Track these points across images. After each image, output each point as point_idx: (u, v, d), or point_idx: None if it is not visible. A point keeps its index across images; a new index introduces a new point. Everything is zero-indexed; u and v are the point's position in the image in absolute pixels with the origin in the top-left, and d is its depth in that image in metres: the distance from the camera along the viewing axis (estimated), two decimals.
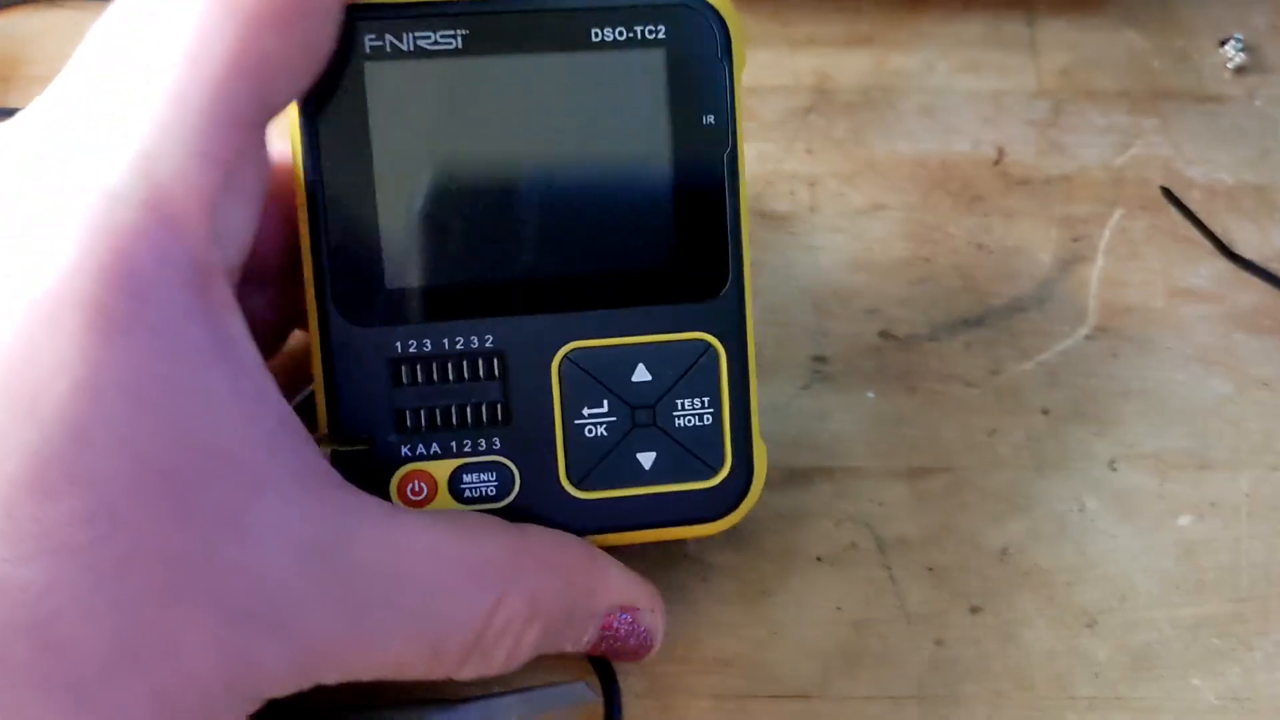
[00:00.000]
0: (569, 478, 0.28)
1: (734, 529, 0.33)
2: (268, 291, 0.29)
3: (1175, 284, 0.39)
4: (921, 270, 0.39)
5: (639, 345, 0.28)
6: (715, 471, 0.29)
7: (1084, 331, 0.38)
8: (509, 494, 0.28)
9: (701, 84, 0.27)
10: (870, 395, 0.36)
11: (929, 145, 0.41)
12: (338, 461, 0.27)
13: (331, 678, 0.24)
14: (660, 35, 0.27)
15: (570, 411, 0.28)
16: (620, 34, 0.27)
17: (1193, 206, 0.40)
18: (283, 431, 0.23)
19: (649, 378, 0.28)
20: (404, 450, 0.27)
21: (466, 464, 0.27)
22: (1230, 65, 0.44)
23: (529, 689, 0.29)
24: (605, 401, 0.28)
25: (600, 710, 0.30)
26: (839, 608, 0.32)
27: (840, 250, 0.39)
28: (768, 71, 0.42)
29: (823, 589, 0.33)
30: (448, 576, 0.25)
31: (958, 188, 0.40)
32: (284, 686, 0.23)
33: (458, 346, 0.27)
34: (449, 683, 0.30)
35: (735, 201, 0.28)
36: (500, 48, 0.26)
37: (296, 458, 0.23)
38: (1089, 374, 0.37)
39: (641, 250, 0.28)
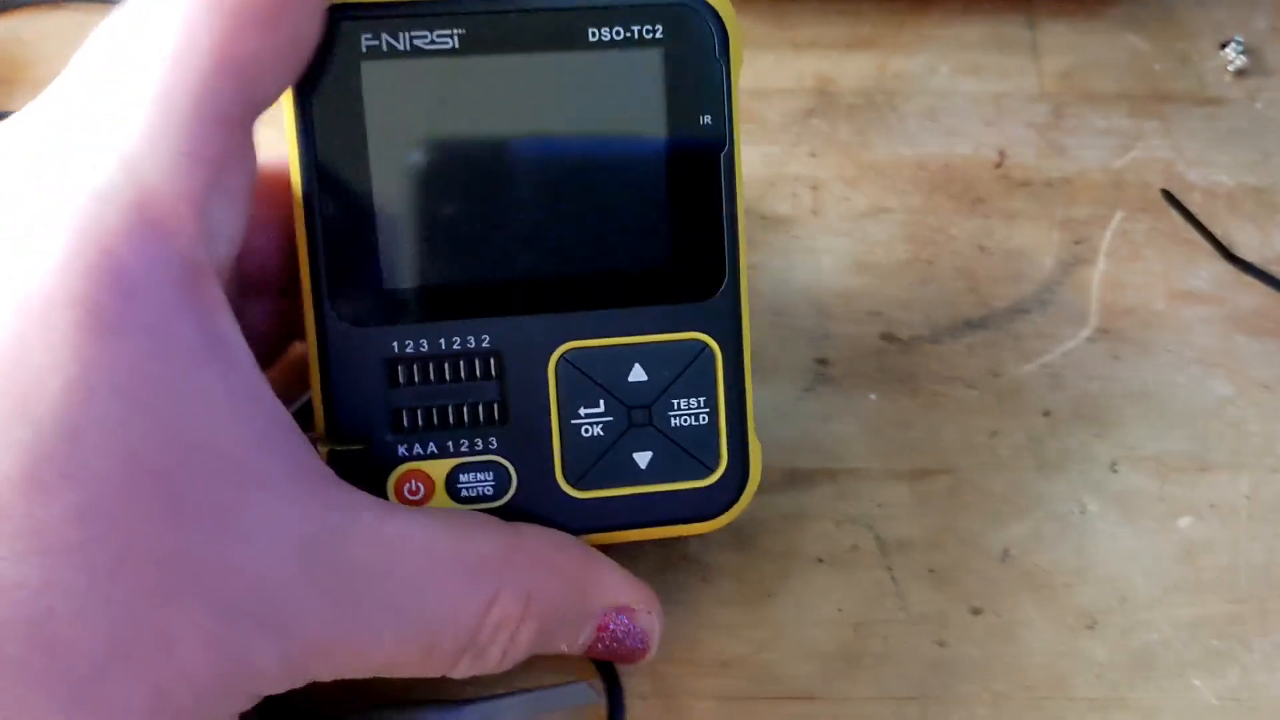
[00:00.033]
0: (565, 477, 0.28)
1: (735, 530, 0.33)
2: (265, 302, 0.29)
3: (1176, 286, 0.39)
4: (923, 272, 0.39)
5: (635, 345, 0.28)
6: (711, 471, 0.29)
7: (1085, 334, 0.38)
8: (506, 493, 0.28)
9: (699, 84, 0.27)
10: (872, 397, 0.36)
11: (931, 148, 0.41)
12: (335, 461, 0.27)
13: (325, 675, 0.24)
14: (657, 35, 0.27)
15: (566, 411, 0.28)
16: (617, 34, 0.27)
17: (1193, 209, 0.40)
18: (275, 429, 0.23)
19: (645, 378, 0.28)
20: (401, 450, 0.27)
21: (463, 464, 0.27)
22: (1231, 68, 0.44)
23: (532, 690, 0.29)
24: (601, 401, 0.28)
25: (603, 711, 0.30)
26: (840, 609, 0.32)
27: (842, 253, 0.39)
28: (770, 74, 0.42)
29: (824, 590, 0.33)
30: (442, 574, 0.25)
31: (959, 190, 0.41)
32: (278, 683, 0.23)
33: (454, 346, 0.27)
34: (452, 683, 0.30)
35: (732, 201, 0.28)
36: (497, 47, 0.26)
37: (289, 455, 0.24)
38: (1090, 376, 0.37)
39: (638, 250, 0.28)
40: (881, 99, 0.42)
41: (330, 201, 0.26)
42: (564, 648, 0.27)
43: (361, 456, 0.27)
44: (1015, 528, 0.34)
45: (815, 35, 0.44)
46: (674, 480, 0.28)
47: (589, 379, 0.28)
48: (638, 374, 0.28)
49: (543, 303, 0.27)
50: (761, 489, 0.34)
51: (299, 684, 0.24)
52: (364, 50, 0.26)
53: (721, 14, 0.27)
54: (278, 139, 0.27)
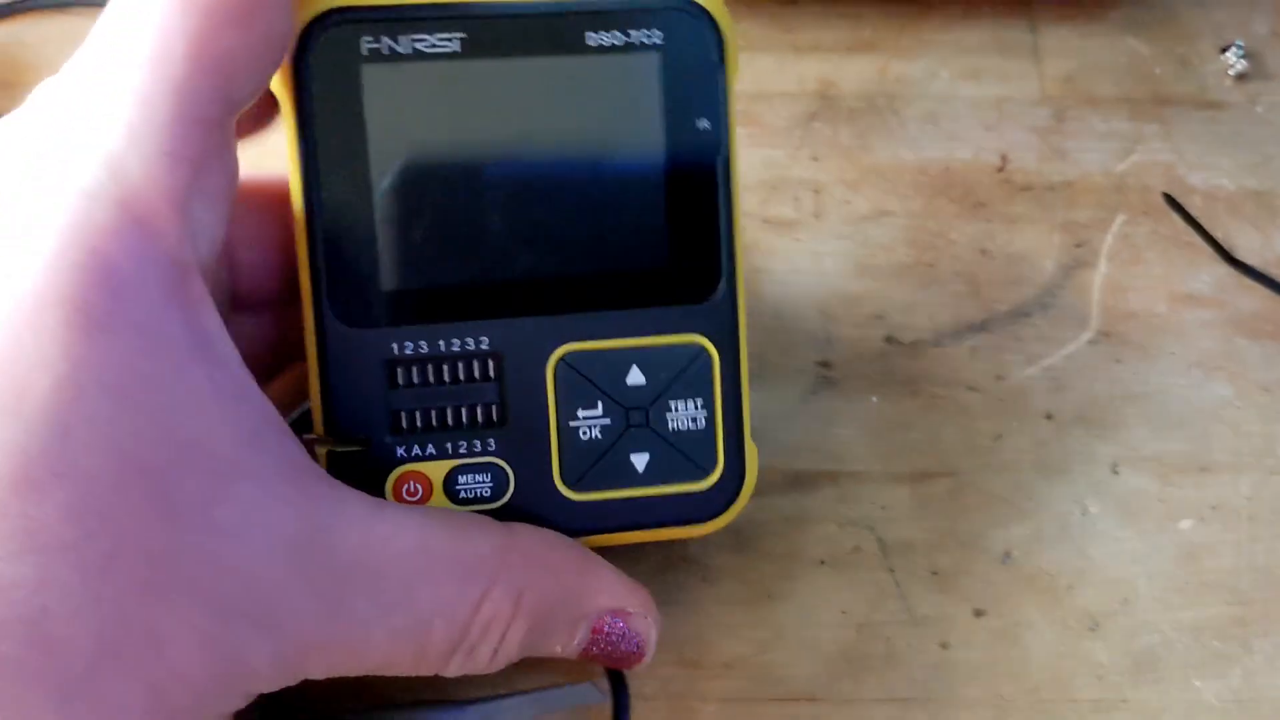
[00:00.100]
0: (563, 479, 0.28)
1: (738, 532, 0.33)
2: (258, 318, 0.29)
3: (1177, 289, 0.39)
4: (925, 276, 0.39)
5: (633, 348, 0.28)
6: (708, 474, 0.29)
7: (1087, 337, 0.38)
8: (504, 495, 0.28)
9: (696, 89, 0.28)
10: (874, 400, 0.36)
11: (932, 152, 0.41)
12: (333, 462, 0.27)
13: (318, 673, 0.24)
14: (655, 40, 0.27)
15: (565, 413, 0.28)
16: (616, 38, 0.27)
17: (1194, 212, 0.40)
18: (264, 426, 0.24)
19: (643, 380, 0.28)
20: (399, 451, 0.27)
21: (462, 465, 0.27)
22: (1231, 72, 0.44)
23: (536, 690, 0.29)
24: (599, 404, 0.28)
25: (607, 712, 0.30)
26: (843, 611, 0.33)
27: (845, 256, 0.39)
28: (772, 77, 0.43)
29: (827, 592, 0.33)
30: (433, 570, 0.25)
31: (961, 194, 0.41)
32: (271, 681, 0.23)
33: (453, 348, 0.27)
34: (455, 684, 0.30)
35: (728, 205, 0.28)
36: (497, 51, 0.27)
37: (278, 452, 0.24)
38: (1092, 379, 0.37)
39: (635, 253, 0.28)
40: (883, 103, 0.42)
41: (330, 203, 0.26)
42: (558, 650, 0.27)
43: (360, 457, 0.27)
44: (1017, 530, 0.34)
45: (816, 38, 0.44)
46: (670, 483, 0.28)
47: (587, 381, 0.28)
48: (635, 376, 0.28)
49: (541, 305, 0.27)
50: (764, 491, 0.34)
51: (292, 682, 0.24)
52: (365, 53, 0.26)
53: (718, 19, 0.27)
54: (269, 144, 0.28)
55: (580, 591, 0.27)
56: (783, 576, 0.33)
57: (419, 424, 0.27)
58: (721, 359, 0.28)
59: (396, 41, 0.26)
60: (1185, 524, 0.35)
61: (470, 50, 0.27)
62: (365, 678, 0.30)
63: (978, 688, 0.32)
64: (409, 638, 0.24)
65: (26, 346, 0.21)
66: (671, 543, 0.33)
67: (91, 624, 0.21)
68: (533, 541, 0.27)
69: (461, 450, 0.27)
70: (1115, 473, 0.35)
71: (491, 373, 0.27)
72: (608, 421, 0.28)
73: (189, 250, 0.23)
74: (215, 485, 0.22)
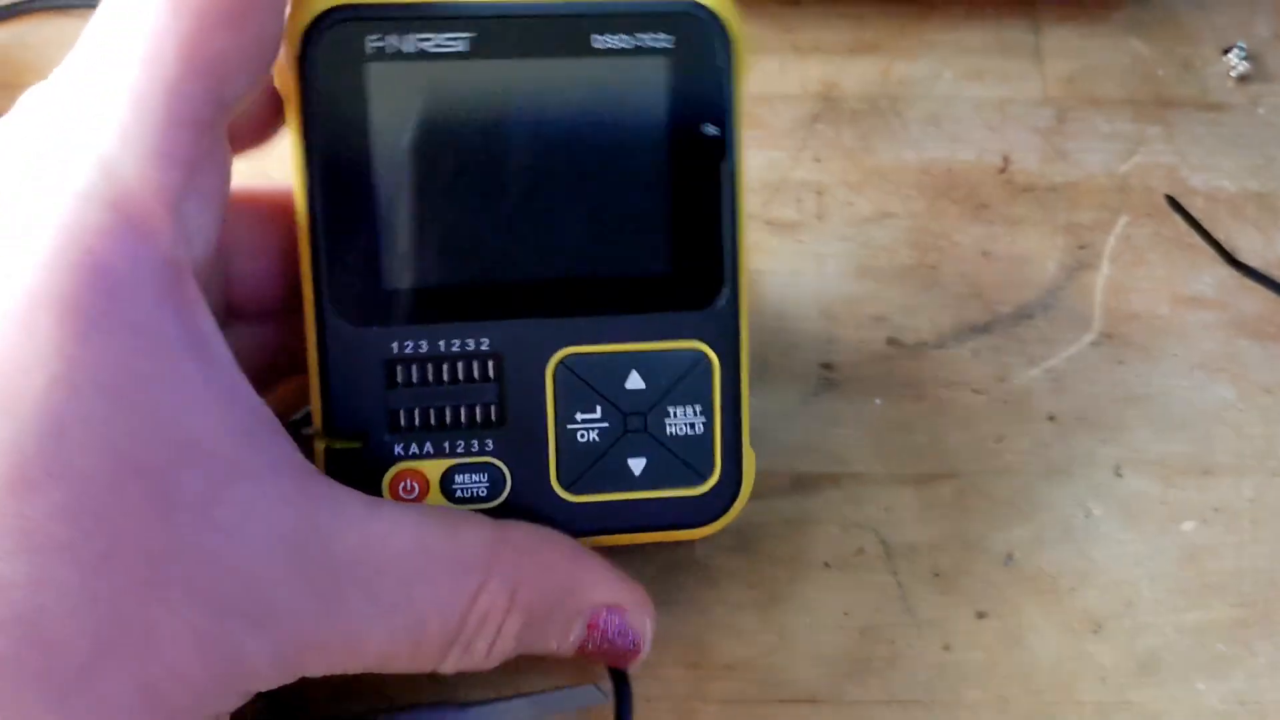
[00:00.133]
0: (560, 481, 0.28)
1: (741, 534, 0.33)
2: (259, 329, 0.29)
3: (1179, 291, 0.39)
4: (927, 278, 0.39)
5: (633, 353, 0.28)
6: (704, 479, 0.29)
7: (1089, 338, 0.38)
8: (500, 495, 0.28)
9: (703, 93, 0.27)
10: (877, 402, 0.36)
11: (935, 153, 0.41)
12: (331, 459, 0.27)
13: (316, 671, 0.24)
14: (664, 44, 0.27)
15: (563, 416, 0.28)
16: (625, 41, 0.27)
17: (1196, 214, 0.40)
18: (258, 425, 0.24)
19: (642, 385, 0.28)
20: (397, 449, 0.27)
21: (459, 464, 0.27)
22: (1233, 74, 0.44)
23: (539, 692, 0.29)
24: (598, 407, 0.28)
25: (610, 713, 0.30)
26: (847, 613, 0.33)
27: (847, 258, 0.39)
28: (774, 79, 0.43)
29: (830, 595, 0.33)
30: (428, 566, 0.25)
31: (963, 195, 0.41)
32: (269, 679, 0.23)
33: (454, 348, 0.27)
34: (458, 686, 0.30)
35: (733, 212, 0.28)
36: (503, 51, 0.27)
37: (274, 451, 0.24)
38: (1094, 380, 0.37)
39: (639, 258, 0.28)
40: (885, 104, 0.42)
41: (333, 200, 0.26)
42: (554, 646, 0.27)
43: (358, 455, 0.27)
44: (1020, 532, 0.34)
45: (819, 40, 0.44)
46: (667, 487, 0.28)
47: (586, 385, 0.28)
48: (635, 381, 0.28)
49: (543, 307, 0.27)
50: (767, 493, 0.34)
51: (290, 680, 0.24)
52: (370, 51, 0.26)
53: (729, 25, 0.27)
54: (272, 152, 0.28)
55: (575, 586, 0.27)
56: (786, 579, 0.33)
57: (417, 422, 0.27)
58: (722, 366, 0.28)
59: (402, 40, 0.26)
60: (1188, 526, 0.35)
61: (477, 50, 0.26)
62: (368, 680, 0.30)
63: (980, 690, 0.32)
64: (405, 634, 0.25)
65: (20, 347, 0.21)
66: (675, 545, 0.33)
67: (88, 623, 0.21)
68: (526, 537, 0.27)
69: (459, 450, 0.27)
70: (1118, 475, 0.35)
71: (491, 373, 0.27)
72: (606, 425, 0.28)
73: (183, 250, 0.23)
74: (212, 484, 0.22)
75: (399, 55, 0.26)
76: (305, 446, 0.26)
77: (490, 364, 0.27)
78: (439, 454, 0.27)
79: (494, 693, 0.30)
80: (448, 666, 0.26)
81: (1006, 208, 0.40)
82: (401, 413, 0.27)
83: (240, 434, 0.23)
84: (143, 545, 0.21)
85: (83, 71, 0.23)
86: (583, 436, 0.28)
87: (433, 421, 0.27)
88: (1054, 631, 0.33)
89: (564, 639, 0.27)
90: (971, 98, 0.43)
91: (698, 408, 0.28)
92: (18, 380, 0.21)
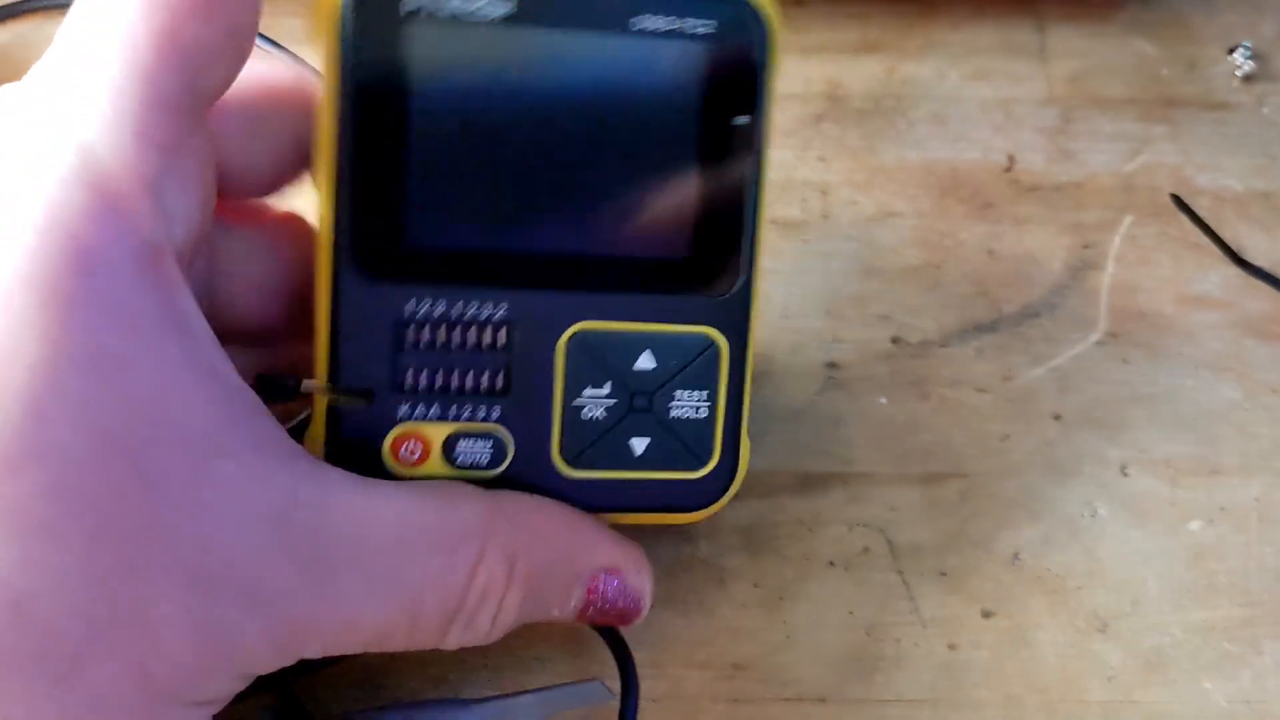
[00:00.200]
0: (561, 455, 0.28)
1: (747, 533, 0.33)
2: (250, 352, 0.29)
3: (1185, 291, 0.39)
4: (933, 277, 0.39)
5: (646, 333, 0.28)
6: (703, 464, 0.29)
7: (1095, 338, 0.38)
8: (501, 464, 0.27)
9: (738, 84, 0.27)
10: (883, 401, 0.36)
11: (940, 153, 0.41)
12: (333, 414, 0.27)
13: (313, 650, 0.24)
14: (706, 30, 0.27)
15: (571, 390, 0.28)
16: (667, 23, 0.27)
17: (1202, 213, 0.40)
18: (240, 404, 0.23)
19: (652, 366, 0.28)
20: (402, 409, 0.27)
21: (463, 430, 0.27)
22: (1238, 73, 0.44)
23: (544, 688, 0.29)
24: (607, 384, 0.28)
25: (616, 710, 0.30)
26: (852, 612, 0.33)
27: (852, 257, 0.39)
28: (780, 79, 0.43)
29: (836, 594, 0.33)
30: (421, 541, 0.25)
31: (968, 195, 0.41)
32: (264, 660, 0.23)
33: (469, 313, 0.27)
34: (463, 683, 0.30)
35: (755, 203, 0.28)
36: (546, 21, 0.26)
37: (255, 429, 0.24)
38: (1100, 380, 0.37)
39: (661, 239, 0.28)
40: (890, 104, 0.42)
41: (362, 154, 0.26)
42: (555, 613, 0.27)
43: (361, 412, 0.27)
44: (1026, 531, 0.34)
45: (824, 40, 0.44)
46: (666, 469, 0.29)
47: (597, 361, 0.28)
48: (645, 361, 0.28)
49: (562, 280, 0.27)
50: (773, 492, 0.34)
51: (288, 661, 0.24)
52: (412, 9, 0.26)
53: (768, 17, 0.27)
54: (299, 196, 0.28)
55: (572, 551, 0.27)
56: (792, 578, 0.33)
57: (424, 384, 0.27)
58: (730, 353, 0.28)
59: (447, 1, 0.26)
60: (1194, 525, 0.35)
61: (519, 17, 0.26)
62: (375, 676, 0.30)
63: (986, 689, 0.32)
64: (401, 609, 0.24)
65: None
66: (683, 543, 0.33)
67: (79, 605, 0.21)
68: (519, 506, 0.27)
69: (465, 415, 0.27)
70: (1124, 474, 0.35)
71: (503, 341, 0.27)
72: (613, 402, 0.28)
73: (162, 232, 0.23)
74: (195, 462, 0.22)
75: (438, 16, 0.26)
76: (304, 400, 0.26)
77: (503, 332, 0.27)
78: (444, 418, 0.27)
79: (499, 690, 0.30)
80: (450, 642, 0.26)
81: (1011, 207, 0.40)
82: (409, 373, 0.27)
83: (223, 414, 0.23)
84: (128, 525, 0.21)
85: (59, 65, 0.23)
86: (588, 412, 0.28)
87: (439, 385, 0.27)
88: (1060, 631, 0.33)
89: (564, 605, 0.27)
90: (976, 97, 0.43)
91: (703, 393, 0.28)
92: None
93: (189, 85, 0.23)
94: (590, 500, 0.28)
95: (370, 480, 0.25)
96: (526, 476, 0.28)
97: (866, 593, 0.33)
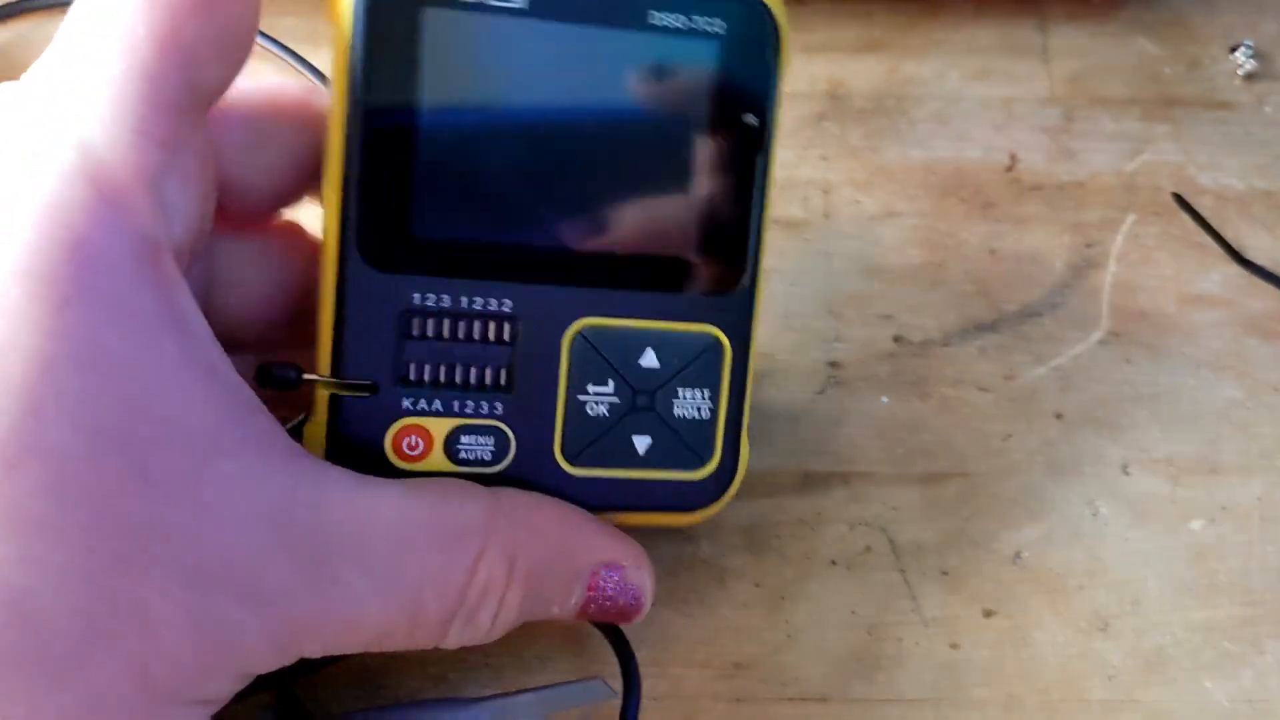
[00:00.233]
0: (563, 452, 0.28)
1: (749, 533, 0.33)
2: (255, 360, 0.29)
3: (1187, 290, 0.39)
4: (934, 276, 0.39)
5: (650, 330, 0.28)
6: (704, 464, 0.29)
7: (1097, 337, 0.38)
8: (503, 460, 0.27)
9: (749, 84, 0.28)
10: (884, 400, 0.36)
11: (941, 152, 0.41)
12: (335, 405, 0.26)
13: (313, 649, 0.24)
14: (718, 29, 0.27)
15: (575, 387, 0.28)
16: (680, 21, 0.27)
17: (1204, 212, 0.40)
18: (238, 401, 0.23)
19: (656, 364, 0.28)
20: (405, 402, 0.27)
21: (465, 425, 0.27)
22: (1241, 72, 0.44)
23: (545, 686, 0.29)
24: (610, 381, 0.28)
25: (617, 708, 0.30)
26: (854, 611, 0.33)
27: (854, 256, 0.39)
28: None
29: (838, 593, 0.33)
30: (421, 538, 0.25)
31: (970, 194, 0.41)
32: (264, 659, 0.23)
33: (474, 306, 0.27)
34: (465, 682, 0.30)
35: (761, 202, 0.28)
36: (560, 14, 0.26)
37: (253, 428, 0.23)
38: (1102, 379, 0.37)
39: (667, 237, 0.28)
40: (892, 103, 0.42)
41: (373, 141, 0.26)
42: (556, 611, 0.27)
43: (363, 404, 0.26)
44: (1027, 530, 0.34)
45: (826, 39, 0.44)
46: (667, 469, 0.28)
47: (601, 357, 0.28)
48: (649, 359, 0.28)
49: (568, 275, 0.27)
50: (775, 492, 0.34)
51: (288, 661, 0.24)
52: None
53: (779, 18, 0.27)
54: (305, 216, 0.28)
55: (572, 548, 0.27)
56: (794, 577, 0.33)
57: (428, 377, 0.27)
58: (734, 353, 0.28)
59: None
60: (1196, 525, 0.35)
61: (535, 10, 0.26)
62: (375, 676, 0.30)
63: (988, 688, 0.32)
64: (401, 608, 0.24)
65: None
66: (684, 543, 0.33)
67: (78, 602, 0.21)
68: (519, 503, 0.27)
69: (468, 410, 0.27)
70: (1126, 473, 0.35)
71: (508, 336, 0.27)
72: (616, 400, 0.28)
73: (161, 229, 0.23)
74: (193, 459, 0.22)
75: (459, 4, 0.26)
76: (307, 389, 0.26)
77: (508, 326, 0.27)
78: (447, 413, 0.27)
79: (500, 689, 0.30)
80: (450, 641, 0.26)
81: (1013, 206, 0.40)
82: (413, 365, 0.27)
83: (221, 411, 0.23)
84: (127, 523, 0.21)
85: (59, 63, 0.23)
86: (592, 409, 0.28)
87: (443, 378, 0.27)
88: (1061, 630, 0.33)
89: (565, 602, 0.27)
90: (978, 97, 0.43)
91: (706, 392, 0.28)
92: None
93: (189, 83, 0.23)
94: (590, 499, 0.28)
95: (370, 478, 0.25)
96: (528, 473, 0.28)
97: (868, 592, 0.33)
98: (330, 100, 0.26)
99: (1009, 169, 0.41)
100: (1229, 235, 0.40)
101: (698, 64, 0.27)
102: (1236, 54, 0.44)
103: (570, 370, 0.27)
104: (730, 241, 0.28)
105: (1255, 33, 0.45)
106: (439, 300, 0.27)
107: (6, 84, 0.23)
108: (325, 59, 0.40)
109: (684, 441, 0.29)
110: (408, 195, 0.26)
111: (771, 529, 0.34)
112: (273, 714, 0.29)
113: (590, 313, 0.27)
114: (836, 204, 0.40)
